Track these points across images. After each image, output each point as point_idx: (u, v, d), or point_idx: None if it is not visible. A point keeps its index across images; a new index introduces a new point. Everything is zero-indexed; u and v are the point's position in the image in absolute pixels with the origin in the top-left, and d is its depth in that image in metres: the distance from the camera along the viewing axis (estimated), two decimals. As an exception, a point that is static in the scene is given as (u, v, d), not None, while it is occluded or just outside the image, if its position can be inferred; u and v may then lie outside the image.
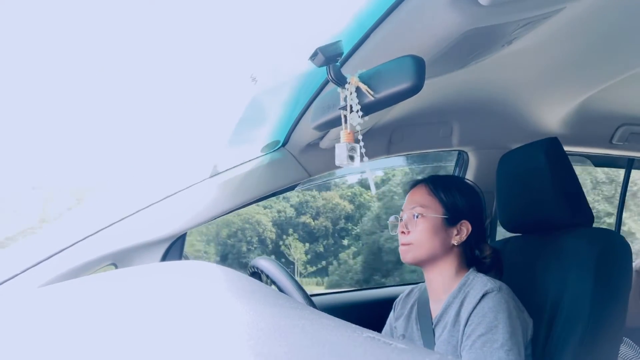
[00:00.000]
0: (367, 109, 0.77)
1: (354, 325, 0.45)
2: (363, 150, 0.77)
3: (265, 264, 1.05)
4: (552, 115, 1.64)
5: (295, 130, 1.41)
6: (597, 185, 6.49)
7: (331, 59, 0.76)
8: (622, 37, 1.14)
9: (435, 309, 1.19)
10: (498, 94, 1.50)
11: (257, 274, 1.07)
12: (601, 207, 6.14)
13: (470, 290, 1.10)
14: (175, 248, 1.39)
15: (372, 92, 0.75)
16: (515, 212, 1.34)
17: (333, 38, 0.77)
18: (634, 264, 1.28)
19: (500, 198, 1.39)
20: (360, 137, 0.77)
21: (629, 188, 2.29)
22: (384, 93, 0.74)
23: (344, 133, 0.78)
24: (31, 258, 1.22)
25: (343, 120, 0.78)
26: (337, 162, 0.78)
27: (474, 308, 1.06)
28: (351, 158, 0.78)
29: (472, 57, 1.07)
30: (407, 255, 1.18)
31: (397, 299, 1.36)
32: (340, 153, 0.77)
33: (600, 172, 6.15)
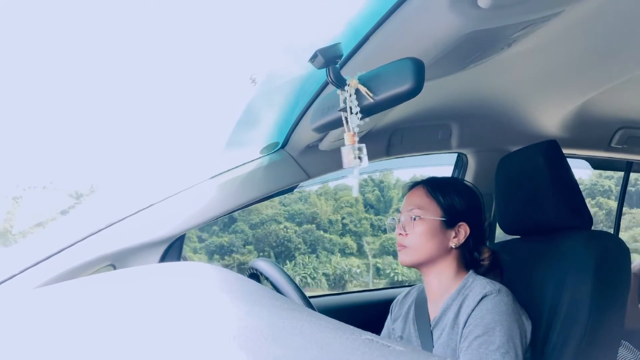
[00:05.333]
0: (367, 111, 0.77)
1: (352, 327, 0.45)
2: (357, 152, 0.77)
3: (264, 265, 1.05)
4: (551, 118, 1.65)
5: (294, 132, 1.41)
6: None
7: (331, 61, 0.76)
8: (620, 41, 1.15)
9: (433, 311, 1.18)
10: (497, 97, 1.50)
11: (255, 275, 1.07)
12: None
13: (469, 293, 1.10)
14: (174, 249, 1.39)
15: (371, 94, 0.75)
16: (514, 214, 1.34)
17: (333, 40, 0.77)
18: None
19: (499, 200, 1.39)
20: (356, 139, 0.77)
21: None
22: (383, 95, 0.74)
23: (348, 136, 0.78)
24: (29, 258, 1.22)
25: (345, 122, 0.78)
26: (345, 166, 0.78)
27: (472, 310, 1.06)
28: (359, 159, 0.77)
29: (471, 59, 1.07)
30: (405, 257, 1.18)
31: (394, 301, 1.35)
32: (348, 155, 0.77)
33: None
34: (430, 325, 1.16)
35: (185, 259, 1.48)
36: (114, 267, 1.33)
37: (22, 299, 0.59)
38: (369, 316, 1.32)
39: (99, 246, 1.28)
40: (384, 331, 1.34)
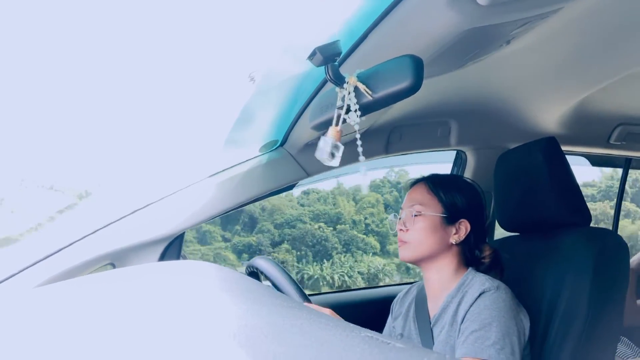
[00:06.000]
0: (366, 109, 0.77)
1: (352, 325, 0.45)
2: (361, 149, 0.77)
3: (263, 263, 1.05)
4: (549, 115, 1.65)
5: (293, 130, 1.41)
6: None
7: (330, 59, 0.76)
8: (619, 37, 1.15)
9: (433, 308, 1.19)
10: (496, 94, 1.50)
11: (255, 273, 1.08)
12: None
13: (468, 290, 1.10)
14: (173, 248, 1.39)
15: (370, 92, 0.75)
16: (513, 211, 1.34)
17: (331, 37, 0.77)
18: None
19: (498, 197, 1.39)
20: (358, 135, 0.77)
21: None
22: (382, 93, 0.74)
23: (332, 129, 0.78)
24: (29, 257, 1.22)
25: (336, 118, 0.78)
26: (317, 155, 0.78)
27: (470, 306, 1.06)
28: (332, 155, 0.77)
29: (470, 56, 1.07)
30: (405, 253, 1.18)
31: (395, 300, 1.35)
32: (323, 147, 0.77)
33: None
34: (430, 323, 1.17)
35: (184, 258, 1.48)
36: (113, 266, 1.33)
37: (22, 298, 0.59)
38: (368, 314, 1.32)
39: (98, 245, 1.28)
40: (386, 330, 1.34)
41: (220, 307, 0.49)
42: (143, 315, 0.45)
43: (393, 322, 1.30)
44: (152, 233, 1.34)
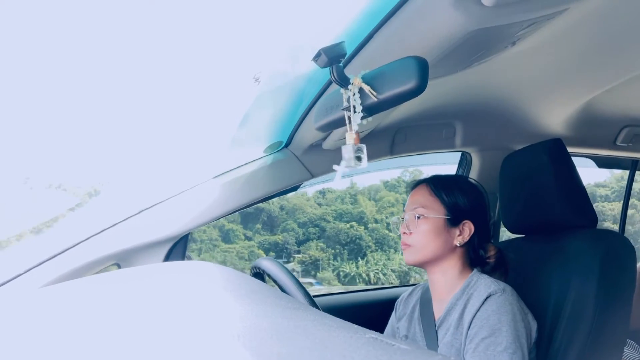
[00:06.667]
0: (370, 110, 0.77)
1: (356, 326, 0.45)
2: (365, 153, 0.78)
3: (268, 264, 1.05)
4: (555, 117, 1.64)
5: (298, 131, 1.42)
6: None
7: (334, 60, 0.76)
8: (626, 38, 1.14)
9: (438, 310, 1.18)
10: (501, 95, 1.49)
11: (259, 274, 1.07)
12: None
13: (473, 292, 1.09)
14: (178, 248, 1.40)
15: (375, 93, 0.74)
16: (519, 213, 1.33)
17: (336, 39, 0.77)
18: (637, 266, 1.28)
19: (503, 199, 1.39)
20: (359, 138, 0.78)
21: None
22: (387, 94, 0.74)
23: (349, 135, 0.78)
24: (35, 257, 1.23)
25: (348, 121, 0.78)
26: (344, 165, 0.78)
27: (477, 310, 1.05)
28: (358, 159, 0.78)
29: (475, 58, 1.07)
30: (409, 256, 1.18)
31: (399, 300, 1.35)
32: (347, 154, 0.77)
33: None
34: (435, 325, 1.16)
35: (189, 258, 1.49)
36: (119, 266, 1.33)
37: (28, 298, 0.59)
38: (372, 315, 1.32)
39: (103, 245, 1.29)
40: (388, 328, 1.34)
41: (225, 308, 0.49)
42: (148, 316, 0.45)
43: (397, 323, 1.30)
44: (158, 233, 1.35)
